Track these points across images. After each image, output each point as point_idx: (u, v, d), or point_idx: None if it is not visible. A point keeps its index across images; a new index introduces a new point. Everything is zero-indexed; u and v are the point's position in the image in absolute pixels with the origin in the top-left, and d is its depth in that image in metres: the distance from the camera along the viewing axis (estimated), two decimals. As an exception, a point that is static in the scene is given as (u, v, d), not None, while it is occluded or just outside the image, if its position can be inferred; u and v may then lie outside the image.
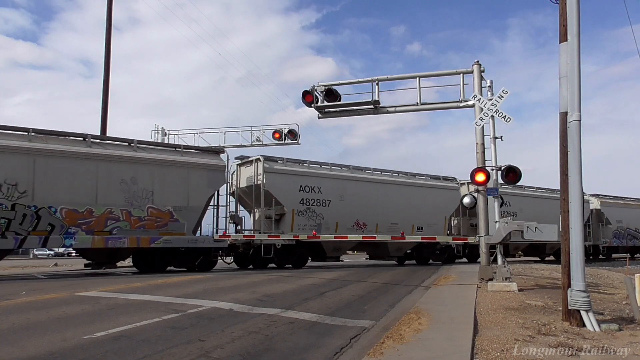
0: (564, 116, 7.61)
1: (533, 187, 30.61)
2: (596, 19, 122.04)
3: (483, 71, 14.61)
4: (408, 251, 24.50)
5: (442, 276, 15.53)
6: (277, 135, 25.03)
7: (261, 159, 20.01)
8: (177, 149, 18.67)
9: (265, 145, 25.18)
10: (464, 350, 5.53)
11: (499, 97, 12.25)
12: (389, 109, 16.17)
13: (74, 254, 37.04)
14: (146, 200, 16.94)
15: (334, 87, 16.19)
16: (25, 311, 8.28)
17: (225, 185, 19.83)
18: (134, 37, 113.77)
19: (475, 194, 13.86)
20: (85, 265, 17.73)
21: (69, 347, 5.79)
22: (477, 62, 14.64)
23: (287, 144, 25.16)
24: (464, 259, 26.28)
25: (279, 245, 19.37)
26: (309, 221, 20.81)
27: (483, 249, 13.93)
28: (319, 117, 16.67)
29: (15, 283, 13.58)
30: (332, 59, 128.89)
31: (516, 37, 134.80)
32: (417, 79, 15.61)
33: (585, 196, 31.37)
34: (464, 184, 26.15)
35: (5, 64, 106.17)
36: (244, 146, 24.89)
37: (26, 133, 15.35)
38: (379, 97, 15.77)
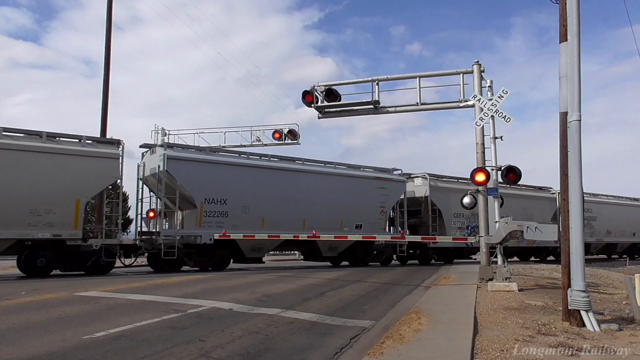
0: (564, 116, 7.62)
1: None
2: (599, 19, 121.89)
3: (483, 71, 14.61)
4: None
5: (442, 276, 15.53)
6: (277, 135, 25.01)
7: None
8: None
9: (265, 145, 25.17)
10: (464, 350, 5.53)
11: (499, 97, 12.24)
12: (389, 109, 16.16)
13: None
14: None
15: (334, 87, 16.17)
16: (25, 311, 8.27)
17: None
18: (136, 36, 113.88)
19: (475, 194, 13.85)
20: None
21: (69, 347, 5.79)
22: (477, 62, 14.63)
23: (287, 144, 25.13)
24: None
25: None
26: None
27: (483, 249, 13.94)
28: (319, 117, 16.65)
29: (15, 283, 13.58)
30: (332, 59, 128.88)
31: (519, 36, 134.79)
32: (417, 79, 15.59)
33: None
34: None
35: (6, 63, 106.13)
36: (244, 146, 24.85)
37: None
38: (379, 97, 15.76)
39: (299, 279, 14.47)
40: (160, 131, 26.42)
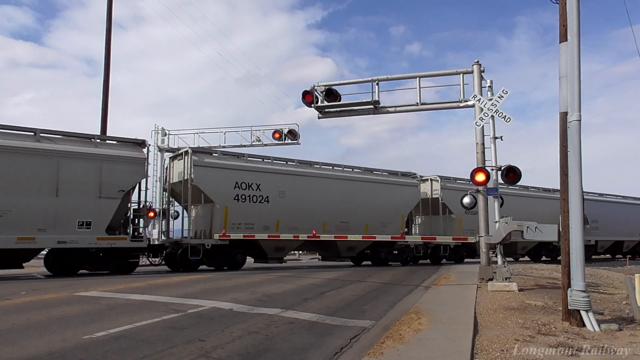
0: (564, 116, 7.62)
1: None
2: (603, 18, 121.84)
3: (483, 71, 14.61)
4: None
5: (442, 276, 15.53)
6: (277, 135, 25.00)
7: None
8: None
9: (266, 145, 25.16)
10: (464, 350, 5.53)
11: (498, 97, 12.24)
12: (389, 109, 16.16)
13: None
14: None
15: (334, 87, 16.17)
16: (25, 311, 8.28)
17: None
18: (138, 35, 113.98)
19: (475, 194, 13.85)
20: None
21: (69, 347, 5.79)
22: (477, 62, 14.64)
23: (287, 144, 25.12)
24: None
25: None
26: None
27: (483, 249, 13.94)
28: (319, 117, 16.65)
29: (15, 283, 13.58)
30: (333, 59, 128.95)
31: (523, 35, 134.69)
32: (417, 79, 15.59)
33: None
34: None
35: (6, 63, 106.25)
36: (244, 146, 24.84)
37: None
38: (379, 97, 15.76)
39: (298, 279, 14.47)
40: (160, 131, 26.43)
